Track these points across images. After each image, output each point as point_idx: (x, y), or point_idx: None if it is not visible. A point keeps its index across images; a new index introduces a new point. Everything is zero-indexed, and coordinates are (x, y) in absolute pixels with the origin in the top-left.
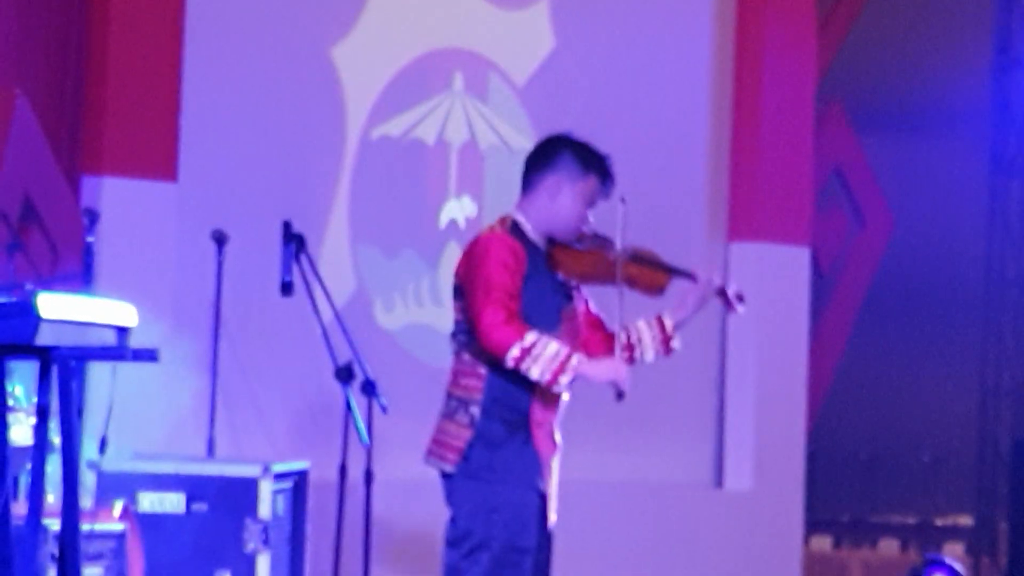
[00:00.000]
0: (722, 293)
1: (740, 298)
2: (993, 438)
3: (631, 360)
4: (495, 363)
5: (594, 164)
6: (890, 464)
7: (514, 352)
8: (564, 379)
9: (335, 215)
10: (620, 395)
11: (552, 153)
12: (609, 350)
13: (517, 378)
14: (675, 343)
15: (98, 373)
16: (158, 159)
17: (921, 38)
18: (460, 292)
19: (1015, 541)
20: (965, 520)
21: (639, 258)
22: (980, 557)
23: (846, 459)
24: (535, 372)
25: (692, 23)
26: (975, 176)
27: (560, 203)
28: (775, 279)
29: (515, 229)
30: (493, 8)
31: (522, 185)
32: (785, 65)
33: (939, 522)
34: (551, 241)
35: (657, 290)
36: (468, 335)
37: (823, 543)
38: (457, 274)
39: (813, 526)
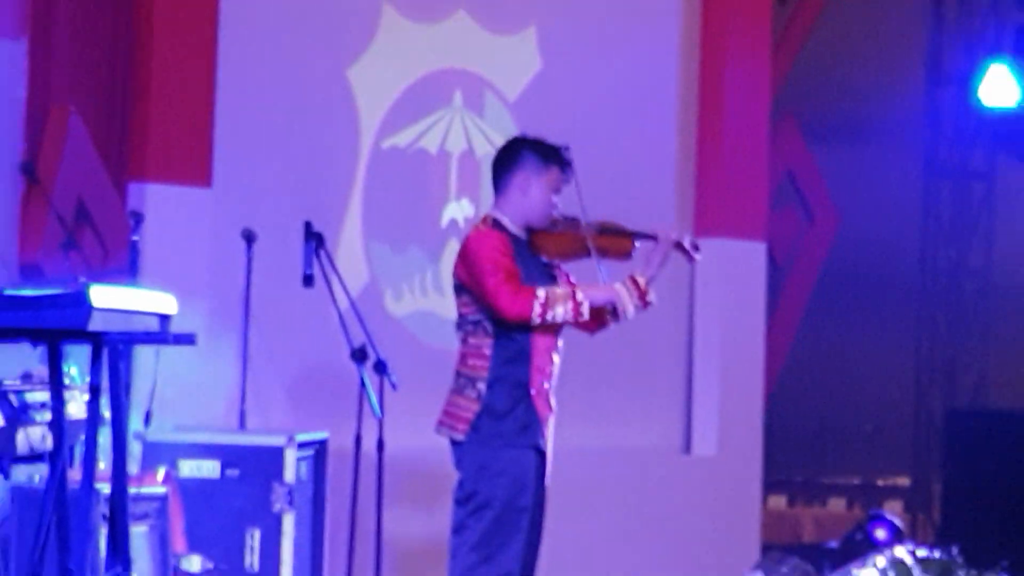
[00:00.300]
0: (679, 246)
1: (696, 247)
2: (927, 409)
3: (616, 318)
4: (500, 341)
5: (553, 156)
6: (837, 432)
7: (536, 310)
8: (584, 308)
9: (350, 215)
10: (615, 314)
11: (515, 154)
12: (594, 316)
13: (518, 354)
14: (651, 297)
15: (143, 355)
16: (195, 167)
17: (863, 58)
18: (461, 290)
19: (946, 498)
20: (903, 481)
21: (605, 229)
22: (916, 513)
23: (799, 428)
24: (560, 314)
25: (661, 45)
26: (911, 179)
27: (531, 196)
28: (735, 270)
29: (497, 225)
30: (488, 34)
31: (494, 187)
32: (743, 82)
33: (880, 483)
34: (530, 229)
35: (625, 254)
36: (474, 324)
37: (779, 502)
38: (457, 275)
39: (770, 487)
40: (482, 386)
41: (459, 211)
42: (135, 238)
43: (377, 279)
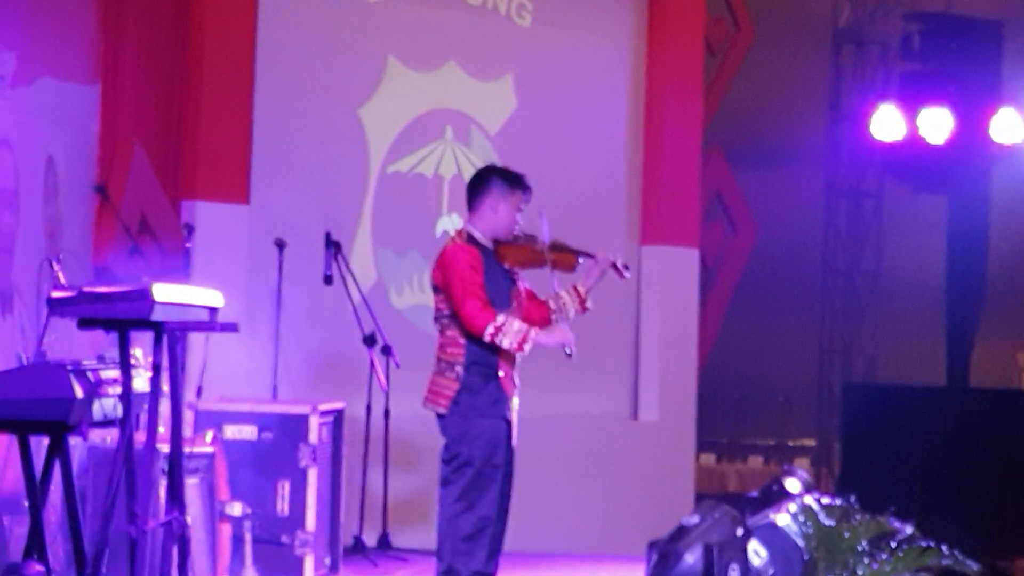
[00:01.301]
0: (614, 266)
1: (626, 267)
2: (828, 383)
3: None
4: (473, 337)
5: (517, 182)
6: (755, 401)
7: (489, 330)
8: (527, 347)
9: (362, 226)
10: (569, 355)
11: (487, 180)
12: (543, 314)
13: (488, 346)
14: (588, 303)
15: (197, 340)
16: (236, 188)
17: (776, 99)
18: (437, 290)
19: (844, 456)
20: (809, 442)
21: (556, 246)
22: (820, 468)
23: (725, 398)
24: (505, 343)
25: (613, 88)
26: (814, 197)
27: (500, 214)
28: (673, 271)
29: (470, 239)
30: (473, 80)
31: (468, 206)
32: (680, 118)
33: (791, 443)
34: (496, 241)
35: (570, 268)
36: (449, 318)
37: (709, 459)
38: (434, 277)
39: (701, 447)
40: (460, 369)
41: (450, 223)
42: (188, 245)
43: (383, 278)
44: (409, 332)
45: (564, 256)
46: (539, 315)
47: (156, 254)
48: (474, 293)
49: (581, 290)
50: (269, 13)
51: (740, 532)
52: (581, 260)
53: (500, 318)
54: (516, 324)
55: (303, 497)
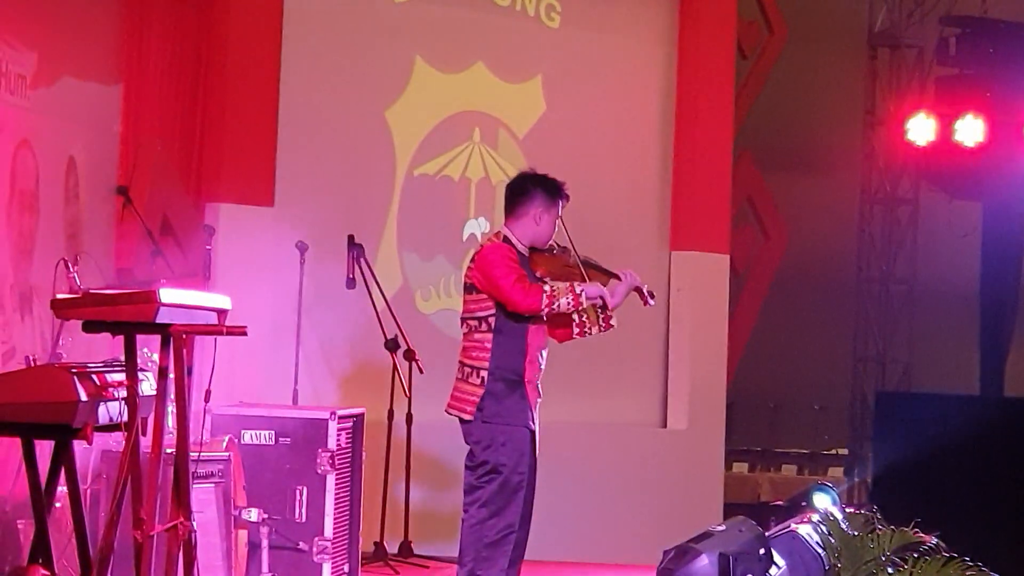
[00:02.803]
0: (638, 290)
1: (651, 295)
2: (862, 392)
3: (581, 334)
4: (500, 337)
5: (558, 192)
6: (789, 410)
7: (544, 301)
8: (582, 298)
9: (387, 230)
10: (580, 331)
11: (530, 190)
12: (564, 328)
13: (515, 349)
14: (613, 321)
15: (208, 344)
16: (260, 190)
17: (809, 103)
18: (471, 289)
19: (877, 466)
20: (843, 451)
21: (587, 264)
22: (853, 477)
23: (757, 406)
24: (563, 304)
25: (644, 92)
26: (848, 203)
27: (543, 225)
28: (704, 277)
29: (506, 241)
30: (501, 82)
31: (508, 212)
32: (711, 123)
33: (824, 452)
34: (531, 249)
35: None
36: (477, 320)
37: (741, 468)
38: (470, 277)
39: (733, 455)
40: (485, 374)
41: (477, 227)
42: (208, 247)
43: (409, 282)
44: (435, 337)
45: (596, 275)
46: (560, 330)
47: (178, 256)
48: (518, 280)
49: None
50: (295, 13)
51: (762, 552)
52: (610, 281)
53: (547, 287)
54: (561, 285)
55: (321, 503)
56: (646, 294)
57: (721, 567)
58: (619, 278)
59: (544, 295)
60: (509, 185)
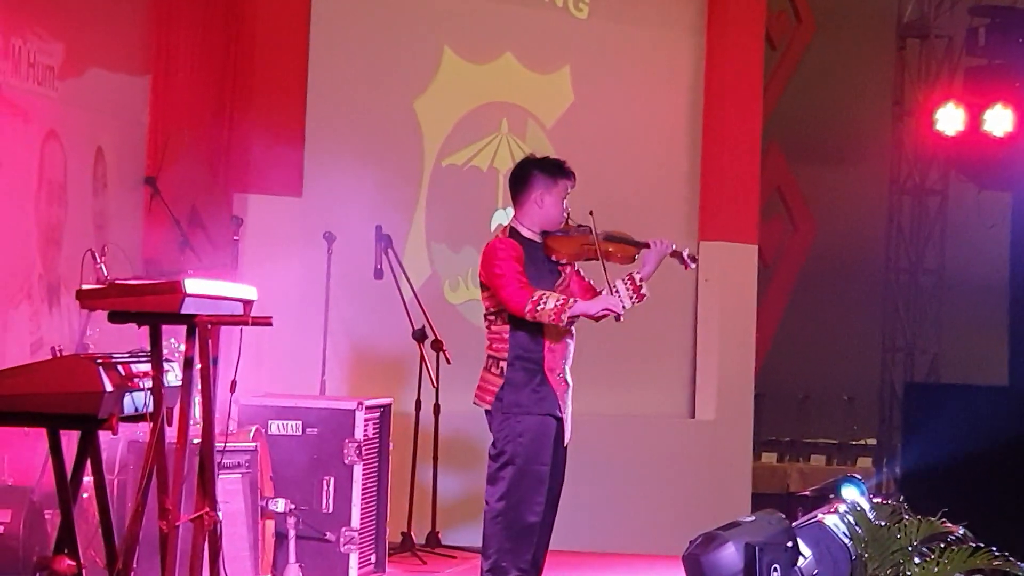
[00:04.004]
0: (676, 255)
1: (693, 258)
2: (891, 382)
3: (616, 316)
4: (516, 328)
5: (559, 171)
6: (817, 400)
7: (528, 306)
8: (565, 316)
9: (416, 220)
10: (617, 318)
11: (527, 174)
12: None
13: (531, 338)
14: (644, 291)
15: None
16: (288, 181)
17: (838, 94)
18: (483, 287)
19: (905, 456)
20: (871, 441)
21: (611, 237)
22: (882, 467)
23: (785, 397)
24: (544, 317)
25: (672, 82)
26: (877, 193)
27: (547, 207)
28: (732, 268)
29: (513, 233)
30: (530, 73)
31: (513, 202)
32: (740, 114)
33: (853, 442)
34: (545, 234)
35: (628, 259)
36: (495, 314)
37: (770, 458)
38: (480, 275)
39: (762, 446)
40: (504, 364)
41: (505, 218)
42: (236, 238)
43: (437, 273)
44: (463, 328)
45: (621, 248)
46: None
47: (206, 247)
48: (513, 278)
49: (636, 277)
50: (323, 3)
51: (789, 544)
52: (639, 251)
53: (536, 293)
54: (553, 297)
55: (349, 494)
56: (686, 258)
57: (747, 557)
58: (648, 246)
59: (528, 301)
60: (510, 175)
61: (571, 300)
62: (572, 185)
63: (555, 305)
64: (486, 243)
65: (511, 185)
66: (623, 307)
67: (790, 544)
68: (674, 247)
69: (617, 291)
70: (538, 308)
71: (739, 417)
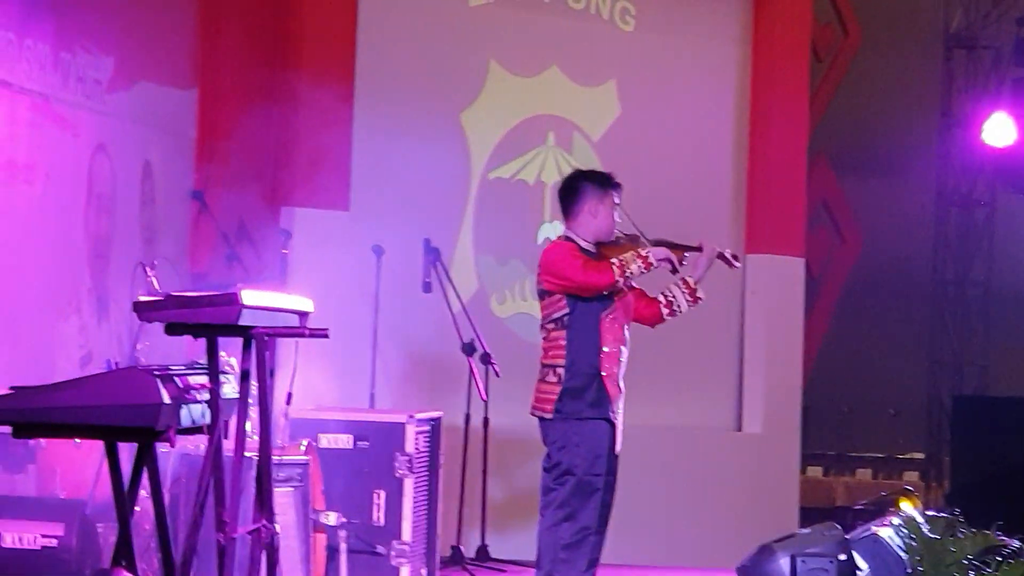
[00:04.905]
0: (721, 256)
1: (736, 258)
2: (938, 396)
3: (671, 313)
4: (573, 334)
5: (608, 183)
6: (863, 413)
7: (616, 272)
8: (651, 259)
9: (463, 234)
10: (671, 310)
11: (579, 188)
12: (653, 310)
13: (588, 344)
14: (700, 293)
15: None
16: (335, 195)
17: (885, 105)
18: (543, 294)
19: (954, 470)
20: (918, 455)
21: (662, 243)
22: (929, 482)
23: (832, 409)
24: (634, 270)
25: (719, 94)
26: (924, 205)
27: (600, 218)
28: (778, 279)
29: (568, 240)
30: (576, 86)
31: (564, 214)
32: (785, 126)
33: (900, 456)
34: (598, 244)
35: (677, 262)
36: (553, 322)
37: (816, 472)
38: (539, 282)
39: (808, 459)
40: (561, 371)
41: (552, 231)
42: (284, 251)
43: (485, 286)
44: (510, 341)
45: (673, 252)
46: (649, 312)
47: (254, 261)
48: (583, 262)
49: (690, 280)
50: (369, 17)
51: (843, 557)
52: (687, 255)
53: (615, 259)
54: (627, 253)
55: (399, 507)
56: (729, 257)
57: (791, 570)
58: (699, 249)
59: (614, 267)
60: (560, 189)
61: (642, 250)
62: (619, 196)
63: (637, 262)
64: (538, 255)
65: (562, 198)
66: (682, 307)
67: (844, 556)
68: (719, 248)
69: (673, 296)
70: (627, 271)
71: (786, 430)
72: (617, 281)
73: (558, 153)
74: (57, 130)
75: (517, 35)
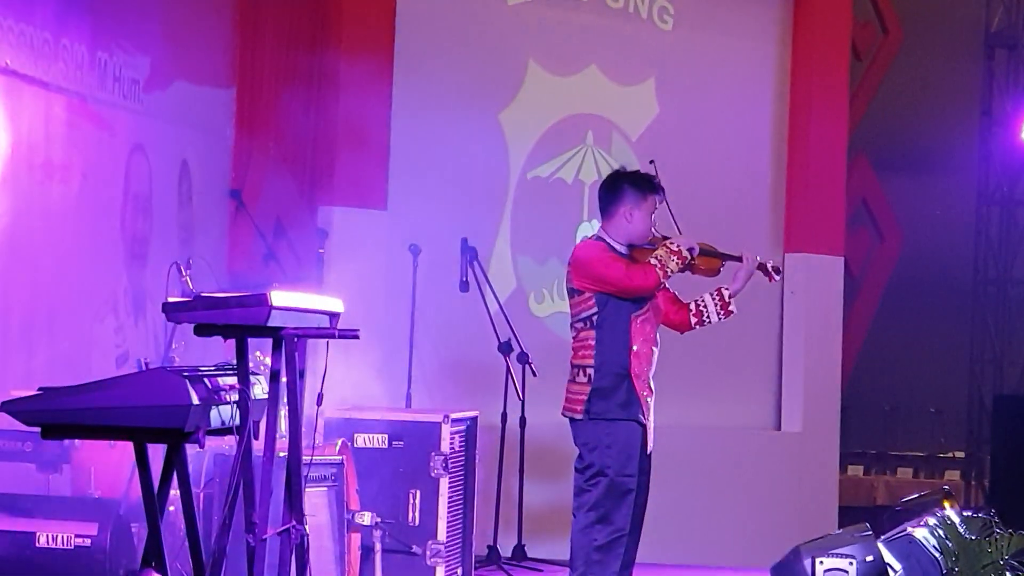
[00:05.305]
0: (762, 267)
1: (777, 270)
2: (979, 394)
3: (700, 323)
4: (603, 334)
5: (649, 186)
6: (904, 412)
7: (659, 272)
8: (684, 252)
9: (501, 233)
10: (700, 320)
11: (618, 189)
12: (682, 317)
13: (618, 344)
14: (732, 307)
15: (320, 347)
16: (373, 194)
17: (926, 105)
18: (573, 293)
19: (995, 469)
20: (959, 454)
21: (701, 251)
22: (970, 481)
23: (872, 409)
24: (673, 267)
25: (757, 93)
26: (965, 204)
27: (636, 222)
28: (818, 279)
29: (600, 240)
30: (614, 85)
31: (602, 214)
32: (825, 124)
33: (940, 455)
34: (631, 247)
35: (713, 272)
36: (583, 321)
37: (856, 471)
38: (570, 281)
39: (848, 458)
40: (591, 371)
41: (590, 230)
42: (320, 251)
43: (523, 285)
44: (548, 340)
45: (706, 260)
46: (679, 318)
47: (291, 260)
48: (627, 266)
49: (725, 293)
50: (408, 16)
51: (870, 558)
52: (725, 264)
53: (653, 260)
54: (661, 251)
55: (435, 507)
56: (771, 270)
57: (811, 569)
58: (739, 259)
59: (655, 268)
60: (600, 187)
61: (672, 244)
62: (660, 201)
63: (673, 259)
64: (573, 252)
65: (601, 197)
66: (712, 319)
67: (870, 558)
68: (760, 260)
69: (704, 305)
70: (667, 269)
71: (826, 429)
72: (662, 282)
73: (597, 152)
74: (94, 130)
75: (555, 34)
